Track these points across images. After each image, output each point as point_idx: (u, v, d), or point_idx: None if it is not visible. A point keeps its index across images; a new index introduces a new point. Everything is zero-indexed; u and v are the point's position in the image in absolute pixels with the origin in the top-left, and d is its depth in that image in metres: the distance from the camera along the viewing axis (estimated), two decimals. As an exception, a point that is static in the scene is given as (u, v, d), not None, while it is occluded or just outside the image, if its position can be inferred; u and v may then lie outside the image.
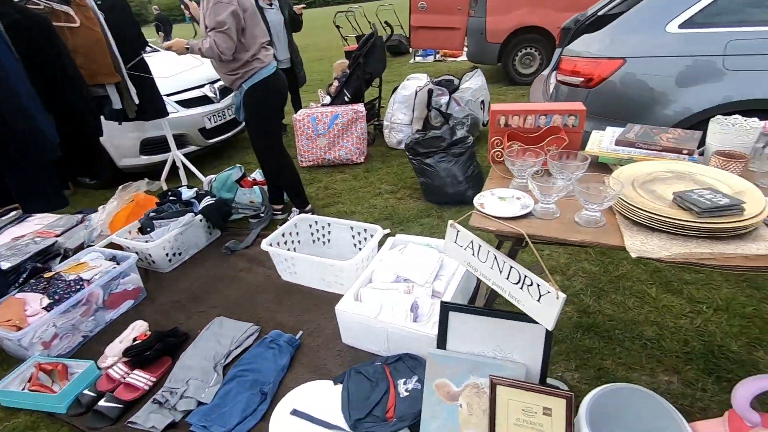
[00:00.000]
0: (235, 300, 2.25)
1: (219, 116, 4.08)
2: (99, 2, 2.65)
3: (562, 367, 1.65)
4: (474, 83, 4.05)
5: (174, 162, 3.49)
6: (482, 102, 4.06)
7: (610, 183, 1.02)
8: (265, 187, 3.04)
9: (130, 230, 2.69)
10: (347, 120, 3.77)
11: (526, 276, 1.04)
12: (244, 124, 2.66)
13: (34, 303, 1.98)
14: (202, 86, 4.04)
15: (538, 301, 1.03)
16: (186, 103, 3.87)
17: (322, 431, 1.48)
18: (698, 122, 2.03)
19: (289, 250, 2.46)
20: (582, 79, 2.31)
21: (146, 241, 2.53)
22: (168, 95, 3.67)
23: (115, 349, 1.92)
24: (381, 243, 2.23)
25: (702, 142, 1.28)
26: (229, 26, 2.23)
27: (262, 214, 3.04)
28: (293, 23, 4.48)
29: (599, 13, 2.66)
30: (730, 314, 1.80)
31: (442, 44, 7.08)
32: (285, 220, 2.78)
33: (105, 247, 2.58)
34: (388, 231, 2.64)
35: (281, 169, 2.76)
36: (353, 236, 2.45)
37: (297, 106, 4.75)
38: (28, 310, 1.95)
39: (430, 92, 3.85)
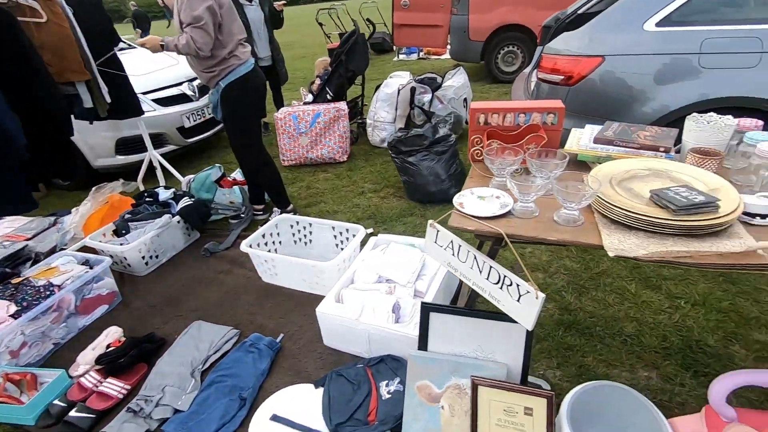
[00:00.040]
0: (214, 303, 2.20)
1: (198, 115, 3.98)
2: (68, -3, 2.55)
3: (544, 365, 1.65)
4: (457, 81, 4.04)
5: (151, 162, 3.40)
6: (465, 100, 4.06)
7: (588, 181, 1.02)
8: (246, 187, 2.98)
9: (105, 233, 2.61)
10: (329, 118, 3.72)
11: (505, 276, 1.03)
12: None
13: (0, 311, 1.90)
14: (180, 84, 3.92)
15: (518, 301, 1.02)
16: (163, 102, 3.76)
17: (302, 436, 1.45)
18: (675, 120, 2.05)
19: (269, 251, 2.41)
20: (562, 77, 2.32)
21: (121, 244, 2.45)
22: (144, 93, 3.57)
23: (87, 357, 1.85)
24: (363, 243, 2.20)
25: (678, 140, 1.29)
26: (206, 21, 2.17)
27: (242, 215, 2.98)
28: (274, 20, 4.42)
29: (579, 11, 2.67)
30: (707, 309, 1.83)
31: (425, 42, 7.10)
32: (266, 221, 2.73)
33: (78, 250, 2.49)
34: (371, 230, 2.61)
35: (260, 168, 2.71)
36: (335, 236, 2.42)
37: (279, 104, 4.69)
38: (-6, 318, 1.87)
39: (412, 90, 3.83)
